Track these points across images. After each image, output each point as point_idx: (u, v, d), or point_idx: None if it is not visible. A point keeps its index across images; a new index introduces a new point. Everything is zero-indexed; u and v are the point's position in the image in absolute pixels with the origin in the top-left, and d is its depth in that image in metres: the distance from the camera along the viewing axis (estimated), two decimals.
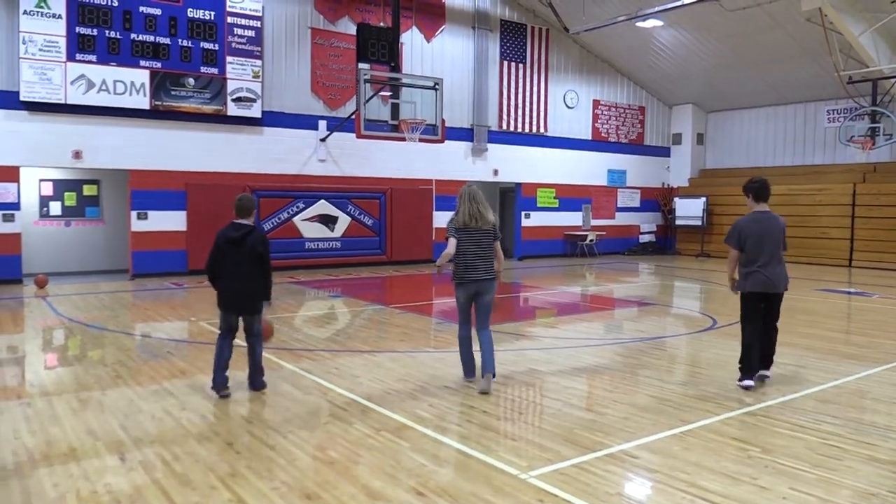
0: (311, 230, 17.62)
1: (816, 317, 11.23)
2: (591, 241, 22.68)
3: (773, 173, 22.92)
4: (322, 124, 17.64)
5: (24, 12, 13.74)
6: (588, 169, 23.23)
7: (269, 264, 6.53)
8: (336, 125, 17.38)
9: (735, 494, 4.25)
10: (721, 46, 20.66)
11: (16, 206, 14.30)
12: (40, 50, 13.92)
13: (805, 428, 5.52)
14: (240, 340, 6.53)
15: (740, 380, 6.68)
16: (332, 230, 17.94)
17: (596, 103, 23.37)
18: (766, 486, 4.37)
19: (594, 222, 23.41)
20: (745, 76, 21.92)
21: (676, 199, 24.38)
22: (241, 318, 6.53)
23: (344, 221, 18.07)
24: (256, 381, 6.58)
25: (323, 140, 17.62)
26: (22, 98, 13.89)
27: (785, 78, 21.38)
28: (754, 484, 4.41)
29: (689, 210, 23.72)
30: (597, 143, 23.48)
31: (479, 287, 6.57)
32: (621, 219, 24.37)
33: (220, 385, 6.33)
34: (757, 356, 6.69)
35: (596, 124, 23.44)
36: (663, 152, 25.58)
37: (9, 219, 14.20)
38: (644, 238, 24.88)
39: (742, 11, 18.11)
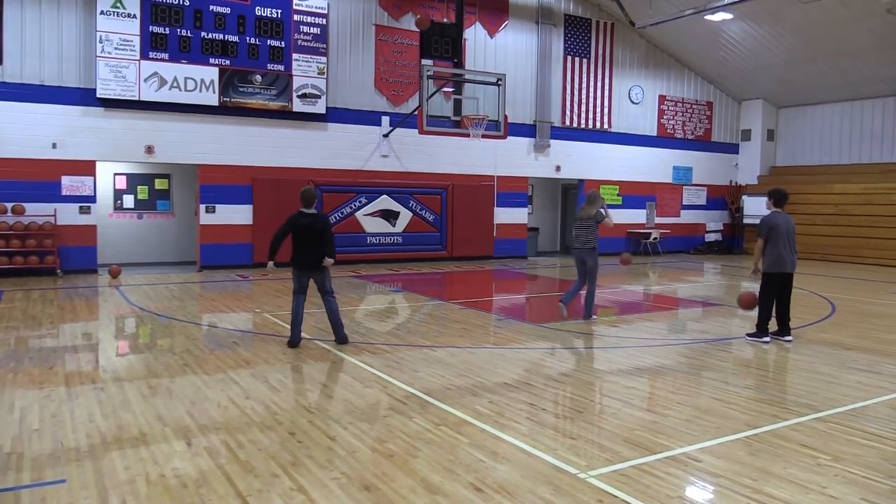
0: (373, 225, 17.80)
1: (891, 321, 10.78)
2: (655, 239, 22.27)
3: (848, 171, 22.10)
4: (385, 120, 17.79)
5: (101, 12, 14.25)
6: (653, 166, 22.80)
7: (329, 237, 8.06)
8: (399, 121, 17.50)
9: (803, 503, 4.11)
10: (794, 40, 19.99)
11: (92, 199, 14.88)
12: (116, 48, 14.43)
13: (879, 436, 5.30)
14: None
15: (757, 336, 8.84)
16: (394, 225, 18.08)
17: (662, 99, 22.92)
18: (837, 496, 4.21)
19: (658, 220, 22.97)
20: (820, 70, 21.16)
21: (745, 198, 23.73)
22: (312, 281, 8.16)
23: (405, 217, 18.19)
24: (339, 334, 8.19)
25: (386, 136, 17.77)
26: (98, 95, 14.42)
27: (862, 72, 20.54)
28: (823, 493, 4.26)
29: (758, 208, 22.94)
30: (662, 140, 23.02)
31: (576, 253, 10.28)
32: (686, 217, 23.84)
33: (295, 342, 8.01)
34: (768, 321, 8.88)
35: (661, 120, 22.98)
36: (731, 149, 24.90)
37: (85, 211, 14.78)
38: (710, 237, 24.28)
39: (816, 3, 17.47)
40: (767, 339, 8.83)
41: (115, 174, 16.58)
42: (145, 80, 14.75)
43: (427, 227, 18.54)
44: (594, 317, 10.38)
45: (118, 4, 14.38)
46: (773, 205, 9.16)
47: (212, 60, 15.37)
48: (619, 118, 21.92)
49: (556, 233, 23.61)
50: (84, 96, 14.53)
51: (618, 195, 22.03)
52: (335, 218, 17.14)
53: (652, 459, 4.74)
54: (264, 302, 11.61)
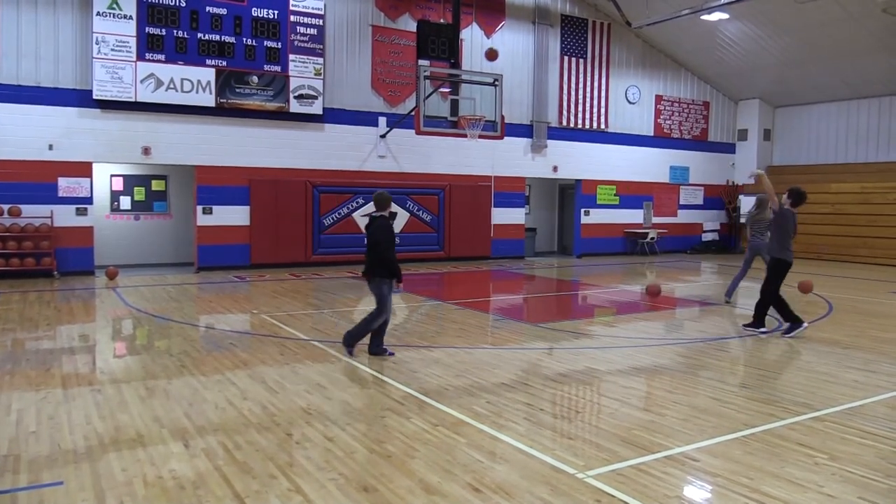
0: None
1: (888, 320, 10.80)
2: (652, 238, 22.29)
3: (845, 170, 22.13)
4: (382, 121, 17.78)
5: (97, 14, 14.23)
6: (649, 165, 22.82)
7: (382, 249, 7.58)
8: (396, 122, 17.50)
9: (800, 502, 4.12)
10: (790, 40, 20.02)
11: (89, 200, 14.86)
12: (112, 50, 14.40)
13: (876, 435, 5.31)
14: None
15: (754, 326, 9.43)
16: None
17: (658, 99, 22.95)
18: (834, 495, 4.22)
19: (655, 220, 23.00)
20: (816, 70, 21.19)
21: (741, 197, 23.76)
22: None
23: (402, 217, 18.17)
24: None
25: (383, 136, 17.77)
26: (95, 96, 14.40)
27: (859, 72, 20.58)
28: (820, 492, 4.26)
29: None
30: (659, 140, 23.04)
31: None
32: (683, 216, 23.87)
33: (348, 344, 7.76)
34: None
35: (658, 120, 23.01)
36: (728, 149, 24.94)
37: (82, 213, 14.76)
38: (707, 236, 24.32)
39: (813, 3, 17.49)
40: (765, 328, 9.41)
41: (112, 175, 16.55)
42: (142, 81, 14.73)
43: (424, 227, 18.53)
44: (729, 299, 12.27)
45: (114, 6, 14.36)
46: (791, 204, 9.22)
47: (208, 61, 15.35)
48: (615, 118, 21.93)
49: (554, 233, 23.60)
50: (80, 98, 14.51)
51: (615, 195, 22.04)
52: (331, 219, 17.13)
53: (649, 459, 4.75)
54: (262, 303, 11.60)
